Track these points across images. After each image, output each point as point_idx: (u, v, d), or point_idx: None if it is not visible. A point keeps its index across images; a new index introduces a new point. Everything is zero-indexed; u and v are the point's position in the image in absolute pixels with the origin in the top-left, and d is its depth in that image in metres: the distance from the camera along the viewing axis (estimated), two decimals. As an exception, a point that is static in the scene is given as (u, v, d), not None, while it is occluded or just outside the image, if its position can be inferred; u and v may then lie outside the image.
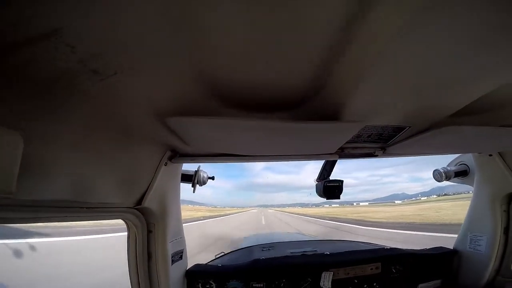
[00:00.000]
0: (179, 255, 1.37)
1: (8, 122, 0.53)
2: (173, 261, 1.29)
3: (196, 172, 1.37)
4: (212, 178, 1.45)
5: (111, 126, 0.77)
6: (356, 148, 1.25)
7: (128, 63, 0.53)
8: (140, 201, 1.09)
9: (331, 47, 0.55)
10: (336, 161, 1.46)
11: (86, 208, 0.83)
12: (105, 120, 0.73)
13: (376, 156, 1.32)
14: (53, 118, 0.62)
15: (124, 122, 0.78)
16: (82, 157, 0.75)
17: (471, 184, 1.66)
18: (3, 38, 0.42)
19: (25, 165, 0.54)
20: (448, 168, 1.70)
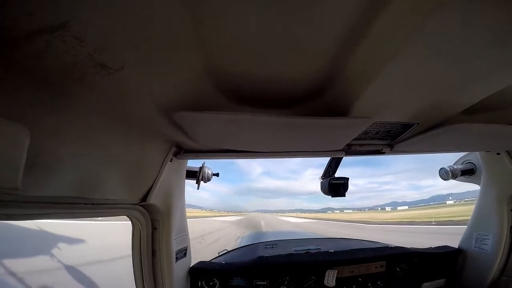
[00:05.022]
0: (183, 252, 1.36)
1: (14, 115, 0.51)
2: (177, 258, 1.28)
3: (201, 168, 1.36)
4: (217, 174, 1.44)
5: (117, 121, 0.76)
6: (363, 145, 1.24)
7: (136, 56, 0.52)
8: (145, 197, 1.08)
9: (345, 42, 0.54)
10: (341, 158, 1.45)
11: (91, 204, 0.82)
12: (111, 115, 0.72)
13: (383, 153, 1.31)
14: (60, 113, 0.60)
15: (130, 117, 0.77)
16: (87, 153, 0.74)
17: (478, 183, 1.65)
18: (9, 31, 0.40)
19: (31, 160, 0.53)
20: (455, 167, 1.69)
